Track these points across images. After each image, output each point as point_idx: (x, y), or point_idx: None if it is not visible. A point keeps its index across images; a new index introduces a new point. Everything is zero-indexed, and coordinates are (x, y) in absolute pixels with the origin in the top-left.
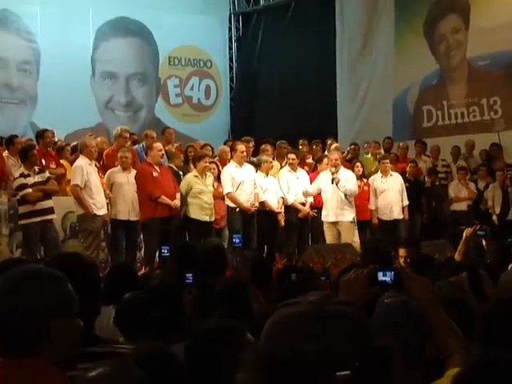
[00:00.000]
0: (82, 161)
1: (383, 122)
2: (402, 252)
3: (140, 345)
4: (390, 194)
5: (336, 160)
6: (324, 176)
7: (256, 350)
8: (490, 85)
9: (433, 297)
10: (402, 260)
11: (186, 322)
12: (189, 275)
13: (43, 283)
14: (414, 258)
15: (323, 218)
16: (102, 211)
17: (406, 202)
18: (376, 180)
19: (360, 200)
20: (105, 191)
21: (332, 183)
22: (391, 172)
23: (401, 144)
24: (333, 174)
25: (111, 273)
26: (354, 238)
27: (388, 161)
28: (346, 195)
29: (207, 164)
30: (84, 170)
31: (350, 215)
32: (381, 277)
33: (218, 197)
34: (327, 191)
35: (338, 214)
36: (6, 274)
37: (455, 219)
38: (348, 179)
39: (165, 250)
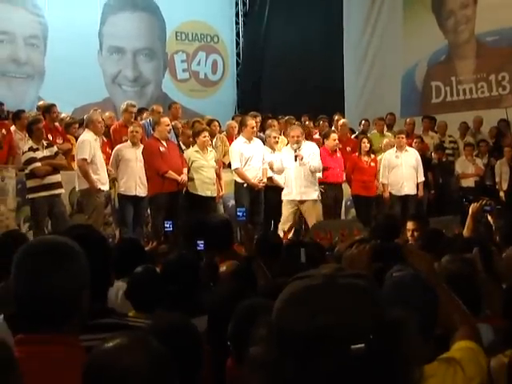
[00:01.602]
0: (88, 135)
1: (391, 97)
2: (410, 225)
3: (161, 317)
4: (403, 169)
5: (298, 136)
6: (286, 153)
7: (268, 324)
8: (498, 61)
9: (434, 271)
10: (409, 233)
11: (203, 297)
12: (200, 242)
13: (72, 257)
14: (423, 232)
15: (284, 197)
16: (105, 187)
17: (422, 179)
18: (390, 154)
19: (366, 176)
20: (107, 167)
21: (295, 160)
22: (407, 147)
23: (407, 120)
24: (295, 150)
25: (119, 247)
26: (318, 218)
27: (404, 136)
28: (311, 171)
29: (207, 138)
30: (90, 144)
31: (314, 193)
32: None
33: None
34: (290, 169)
35: (301, 192)
36: (32, 249)
37: (462, 195)
38: (311, 155)
39: (168, 225)
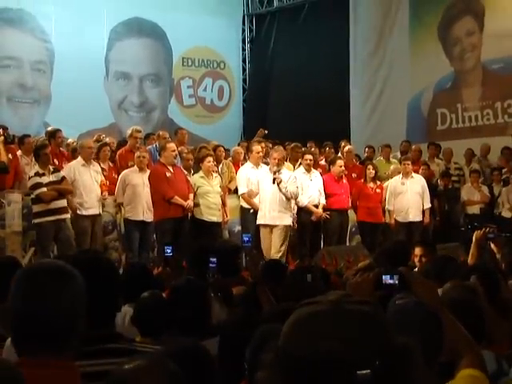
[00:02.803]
0: (74, 162)
1: (397, 124)
2: (417, 251)
3: (173, 341)
4: (408, 195)
5: (279, 160)
6: (264, 175)
7: (275, 349)
8: (504, 88)
9: (438, 298)
10: (417, 259)
11: (211, 320)
12: (213, 259)
13: (71, 281)
14: (433, 258)
15: (259, 221)
16: (91, 211)
17: (428, 205)
18: (396, 181)
19: (372, 202)
20: (102, 192)
21: (273, 183)
22: (413, 174)
23: (413, 147)
24: (274, 173)
25: (126, 272)
26: (280, 247)
27: (409, 162)
28: (286, 197)
29: (211, 163)
30: (73, 169)
31: (287, 219)
32: (387, 280)
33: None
34: (266, 190)
35: (274, 216)
36: (31, 272)
37: (468, 222)
38: (289, 180)
39: (168, 250)
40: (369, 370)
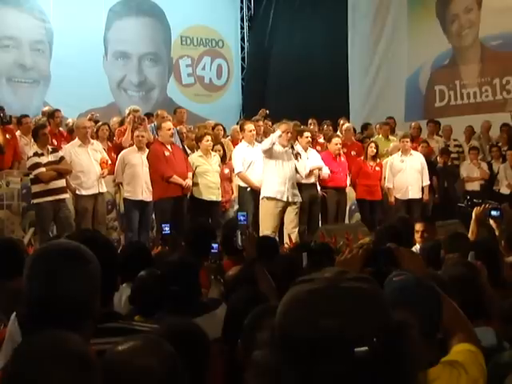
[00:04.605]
0: (70, 144)
1: (395, 101)
2: (418, 227)
3: (168, 321)
4: (408, 173)
5: (289, 132)
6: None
7: (272, 327)
8: (502, 65)
9: (427, 274)
10: (418, 235)
11: (202, 297)
12: (214, 245)
13: (86, 260)
14: (448, 235)
15: (275, 195)
16: (91, 191)
17: (427, 182)
18: (395, 159)
19: (371, 180)
20: (103, 173)
21: (295, 159)
22: (411, 151)
23: (413, 124)
24: (292, 147)
25: (125, 252)
26: (297, 223)
27: (408, 139)
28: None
29: (209, 142)
30: (68, 152)
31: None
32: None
33: (223, 178)
34: (285, 166)
35: (295, 193)
36: (47, 252)
37: (468, 199)
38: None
39: (166, 228)
40: (366, 347)
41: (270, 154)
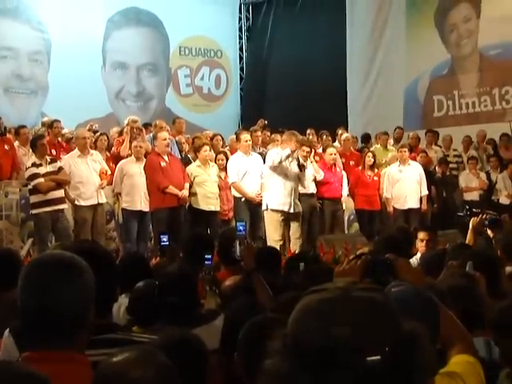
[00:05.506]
0: (69, 154)
1: (394, 111)
2: (422, 236)
3: (166, 332)
4: (406, 183)
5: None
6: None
7: (283, 336)
8: (501, 74)
9: (425, 286)
10: (422, 244)
11: (200, 308)
12: (208, 256)
13: (80, 271)
14: (451, 245)
15: (282, 207)
16: (90, 201)
17: (425, 192)
18: (393, 168)
19: (369, 190)
20: (102, 183)
21: (301, 170)
22: (410, 161)
23: (411, 134)
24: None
25: (123, 262)
26: (301, 233)
27: (406, 149)
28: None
29: (208, 153)
30: (67, 163)
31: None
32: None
33: (226, 187)
34: (289, 177)
35: (298, 204)
36: (41, 263)
37: (467, 209)
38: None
39: (164, 239)
40: (379, 357)
41: (278, 169)
